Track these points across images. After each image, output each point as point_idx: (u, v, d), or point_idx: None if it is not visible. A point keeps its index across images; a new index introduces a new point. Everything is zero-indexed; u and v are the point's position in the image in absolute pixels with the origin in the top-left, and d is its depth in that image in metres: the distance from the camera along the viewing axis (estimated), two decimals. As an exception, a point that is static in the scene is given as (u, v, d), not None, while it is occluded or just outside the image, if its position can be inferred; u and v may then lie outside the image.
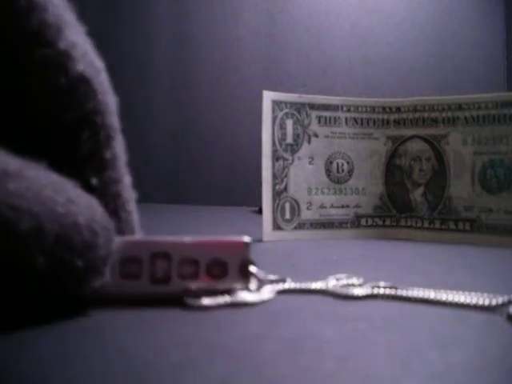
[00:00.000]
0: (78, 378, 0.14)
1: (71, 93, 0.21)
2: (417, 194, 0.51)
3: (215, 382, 0.14)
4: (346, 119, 0.52)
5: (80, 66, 0.22)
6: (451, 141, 0.49)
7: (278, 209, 0.49)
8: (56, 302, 0.20)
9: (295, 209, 0.50)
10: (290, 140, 0.50)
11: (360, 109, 0.52)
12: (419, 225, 0.51)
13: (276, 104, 0.49)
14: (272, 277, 0.26)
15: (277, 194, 0.49)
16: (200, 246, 0.24)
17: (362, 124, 0.52)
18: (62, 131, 0.22)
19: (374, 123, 0.53)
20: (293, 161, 0.50)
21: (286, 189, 0.49)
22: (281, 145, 0.49)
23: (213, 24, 1.19)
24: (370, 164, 0.53)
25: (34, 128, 0.21)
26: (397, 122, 0.52)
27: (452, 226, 0.49)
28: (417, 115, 0.51)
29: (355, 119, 0.52)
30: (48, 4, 0.21)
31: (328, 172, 0.51)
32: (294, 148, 0.50)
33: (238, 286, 0.24)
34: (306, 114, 0.50)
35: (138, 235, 0.25)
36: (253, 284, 0.24)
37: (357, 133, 0.52)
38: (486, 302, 0.23)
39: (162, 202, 1.12)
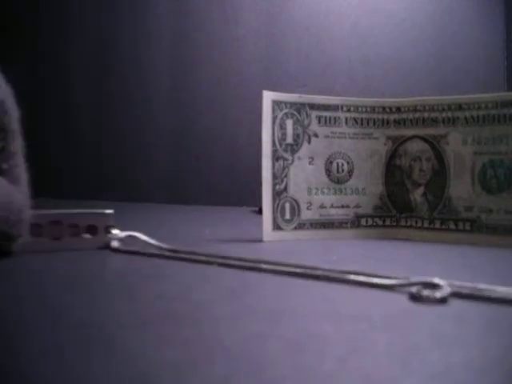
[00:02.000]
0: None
1: None
2: (417, 194, 0.51)
3: (215, 382, 0.14)
4: (346, 119, 0.52)
5: (0, 96, 0.36)
6: (451, 141, 0.49)
7: (278, 209, 0.49)
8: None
9: (295, 209, 0.50)
10: (290, 140, 0.50)
11: (360, 109, 0.52)
12: (419, 225, 0.51)
13: (276, 104, 0.49)
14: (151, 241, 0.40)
15: (277, 194, 0.49)
16: (80, 215, 0.39)
17: (361, 124, 0.52)
18: None
19: (374, 123, 0.53)
20: (293, 161, 0.50)
21: (286, 189, 0.49)
22: (281, 145, 0.49)
23: (213, 24, 1.19)
24: (370, 164, 0.53)
25: None
26: (397, 122, 0.52)
27: (452, 226, 0.49)
28: (417, 115, 0.51)
29: (355, 119, 0.52)
30: None
31: (328, 172, 0.51)
32: (294, 148, 0.50)
33: (105, 240, 0.39)
34: (306, 113, 0.50)
35: (30, 201, 0.37)
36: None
37: (357, 133, 0.52)
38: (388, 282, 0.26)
39: (162, 202, 1.12)
